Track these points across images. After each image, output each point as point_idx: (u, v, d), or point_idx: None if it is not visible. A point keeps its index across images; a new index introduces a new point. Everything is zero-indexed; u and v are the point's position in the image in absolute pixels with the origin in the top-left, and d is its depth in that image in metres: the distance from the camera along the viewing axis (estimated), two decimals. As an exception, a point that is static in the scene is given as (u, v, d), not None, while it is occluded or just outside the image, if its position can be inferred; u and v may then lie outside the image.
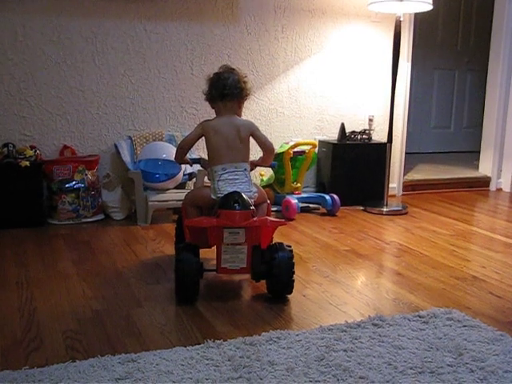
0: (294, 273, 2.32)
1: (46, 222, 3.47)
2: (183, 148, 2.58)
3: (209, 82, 2.53)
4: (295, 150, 3.87)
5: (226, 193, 2.33)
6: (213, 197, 2.42)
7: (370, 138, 4.23)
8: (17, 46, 3.46)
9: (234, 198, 2.28)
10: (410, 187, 4.70)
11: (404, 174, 4.70)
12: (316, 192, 4.25)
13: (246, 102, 2.58)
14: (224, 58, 3.91)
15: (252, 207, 2.31)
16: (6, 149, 3.35)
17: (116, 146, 3.68)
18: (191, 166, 2.78)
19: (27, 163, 3.30)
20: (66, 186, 3.45)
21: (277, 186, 4.00)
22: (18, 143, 3.49)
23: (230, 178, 2.41)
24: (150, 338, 1.99)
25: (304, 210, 3.90)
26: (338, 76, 4.30)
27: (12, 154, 3.34)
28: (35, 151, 3.41)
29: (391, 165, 4.26)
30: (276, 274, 2.30)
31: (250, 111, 4.04)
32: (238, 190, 2.35)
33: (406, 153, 4.69)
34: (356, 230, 3.51)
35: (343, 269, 2.78)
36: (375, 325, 2.07)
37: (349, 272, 2.74)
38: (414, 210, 4.07)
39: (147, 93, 3.81)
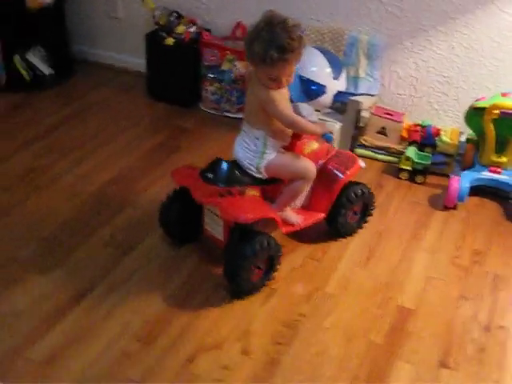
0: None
1: (196, 104, 3.23)
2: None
3: None
4: (505, 110, 2.49)
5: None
6: None
7: None
8: None
9: (211, 167, 2.00)
10: None
11: None
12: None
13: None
14: None
15: (235, 185, 1.98)
16: (167, 18, 3.09)
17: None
18: None
19: (171, 42, 3.03)
20: (210, 73, 3.07)
21: (479, 149, 2.75)
22: (189, 11, 3.15)
23: (241, 139, 2.07)
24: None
25: (485, 191, 2.68)
26: None
27: (166, 26, 3.07)
28: (189, 27, 3.05)
29: None
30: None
31: (483, 33, 2.68)
32: (240, 153, 2.05)
33: None
34: None
35: None
36: None
37: None
38: None
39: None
